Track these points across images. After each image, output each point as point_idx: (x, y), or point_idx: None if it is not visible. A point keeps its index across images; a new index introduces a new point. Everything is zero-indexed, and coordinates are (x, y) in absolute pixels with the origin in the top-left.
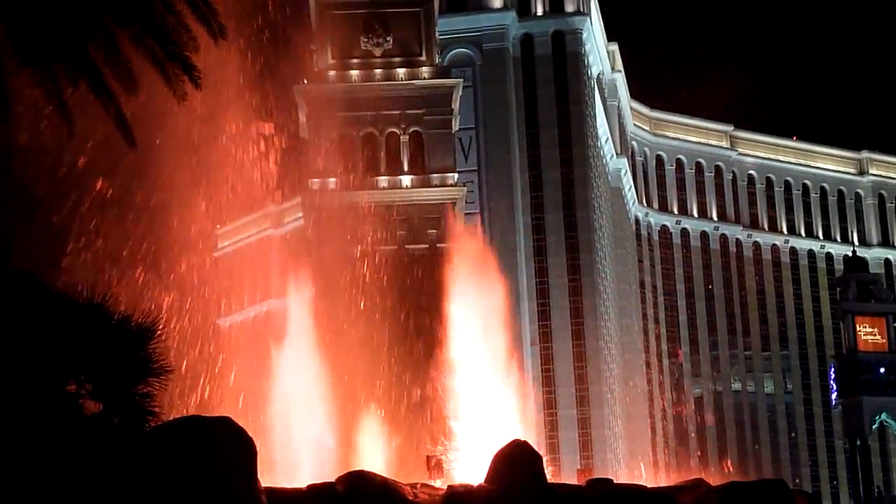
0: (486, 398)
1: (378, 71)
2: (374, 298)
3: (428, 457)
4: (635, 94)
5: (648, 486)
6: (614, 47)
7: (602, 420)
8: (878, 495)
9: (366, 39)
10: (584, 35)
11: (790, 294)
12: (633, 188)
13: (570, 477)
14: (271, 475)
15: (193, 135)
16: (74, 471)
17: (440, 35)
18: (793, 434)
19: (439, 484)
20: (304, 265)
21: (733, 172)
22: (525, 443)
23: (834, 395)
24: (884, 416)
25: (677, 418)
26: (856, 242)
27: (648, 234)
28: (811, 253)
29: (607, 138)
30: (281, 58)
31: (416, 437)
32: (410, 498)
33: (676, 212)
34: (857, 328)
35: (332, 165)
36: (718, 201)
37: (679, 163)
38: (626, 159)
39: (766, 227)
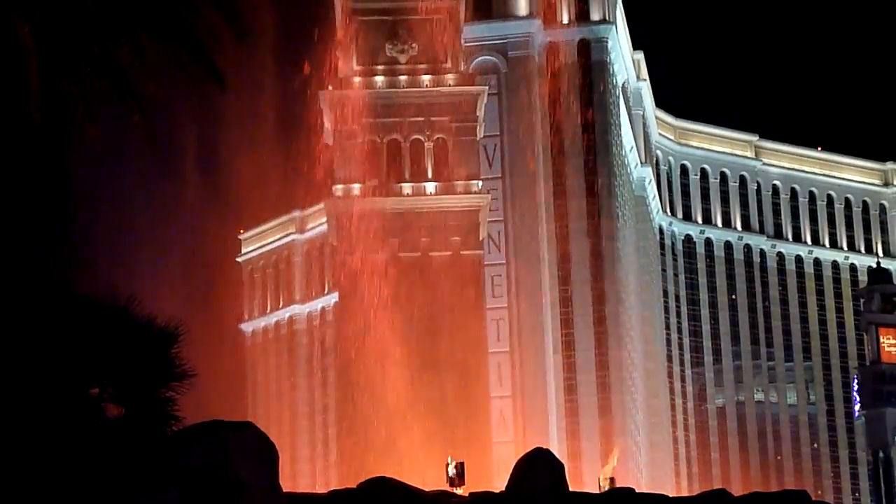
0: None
1: (403, 78)
2: (398, 304)
3: (448, 465)
4: (660, 102)
5: (670, 496)
6: (640, 56)
7: (624, 429)
8: None
9: (391, 46)
10: (610, 43)
11: (814, 305)
12: (657, 197)
13: (591, 486)
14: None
15: (217, 138)
16: (96, 473)
17: (465, 42)
18: (815, 445)
19: (460, 491)
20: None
21: (758, 182)
22: (547, 451)
23: (857, 407)
24: None
25: (699, 428)
26: (880, 254)
27: (672, 243)
28: (835, 264)
29: (632, 147)
30: (306, 64)
31: (443, 442)
32: None
33: (700, 221)
34: (881, 340)
35: (357, 172)
36: (743, 211)
37: (703, 172)
38: (650, 168)
39: (790, 237)
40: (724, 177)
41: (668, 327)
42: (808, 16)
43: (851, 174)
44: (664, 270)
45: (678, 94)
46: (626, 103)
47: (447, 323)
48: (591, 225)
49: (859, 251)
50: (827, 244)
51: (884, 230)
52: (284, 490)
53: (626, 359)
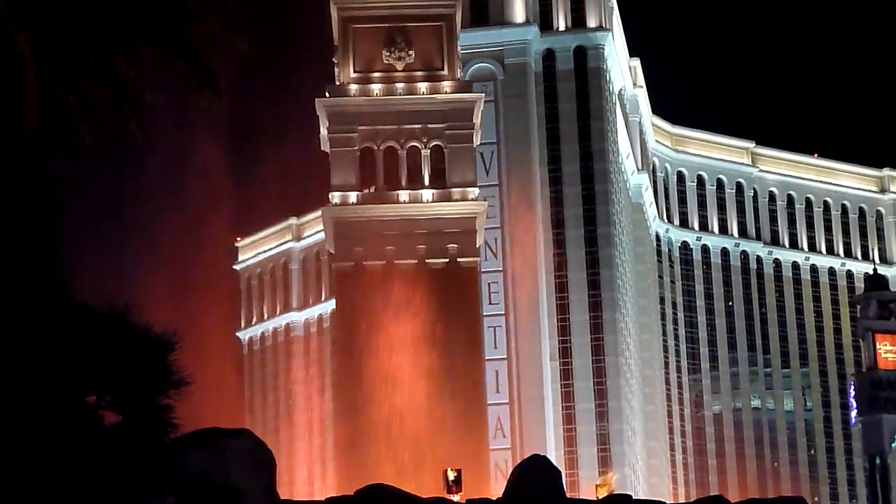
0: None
1: (400, 85)
2: (394, 312)
3: (445, 472)
4: (657, 109)
5: (668, 502)
6: (636, 63)
7: (621, 436)
8: None
9: (388, 53)
10: (606, 50)
11: (810, 311)
12: (653, 204)
13: (588, 493)
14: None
15: (214, 146)
16: (93, 481)
17: (462, 49)
18: (812, 452)
19: (457, 498)
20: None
21: (754, 189)
22: (544, 458)
23: (853, 413)
24: None
25: (696, 435)
26: (876, 260)
27: (669, 250)
28: (832, 270)
29: (628, 154)
30: (303, 70)
31: (439, 451)
32: None
33: (697, 228)
34: (877, 346)
35: (353, 179)
36: (739, 218)
37: (700, 179)
38: (647, 175)
39: (786, 244)
40: (720, 183)
41: (664, 334)
42: (804, 22)
43: (848, 181)
44: (661, 277)
45: (675, 100)
46: (622, 110)
47: (444, 330)
48: (587, 232)
49: (856, 258)
50: (823, 251)
51: (880, 237)
52: (282, 497)
53: (623, 366)
